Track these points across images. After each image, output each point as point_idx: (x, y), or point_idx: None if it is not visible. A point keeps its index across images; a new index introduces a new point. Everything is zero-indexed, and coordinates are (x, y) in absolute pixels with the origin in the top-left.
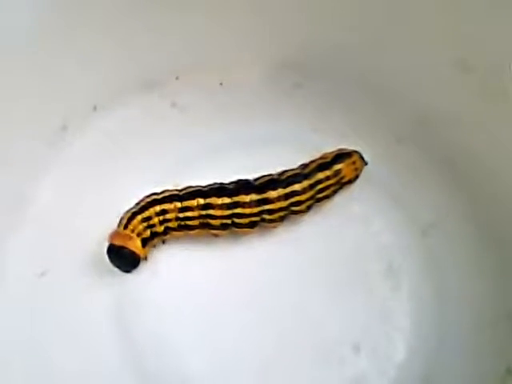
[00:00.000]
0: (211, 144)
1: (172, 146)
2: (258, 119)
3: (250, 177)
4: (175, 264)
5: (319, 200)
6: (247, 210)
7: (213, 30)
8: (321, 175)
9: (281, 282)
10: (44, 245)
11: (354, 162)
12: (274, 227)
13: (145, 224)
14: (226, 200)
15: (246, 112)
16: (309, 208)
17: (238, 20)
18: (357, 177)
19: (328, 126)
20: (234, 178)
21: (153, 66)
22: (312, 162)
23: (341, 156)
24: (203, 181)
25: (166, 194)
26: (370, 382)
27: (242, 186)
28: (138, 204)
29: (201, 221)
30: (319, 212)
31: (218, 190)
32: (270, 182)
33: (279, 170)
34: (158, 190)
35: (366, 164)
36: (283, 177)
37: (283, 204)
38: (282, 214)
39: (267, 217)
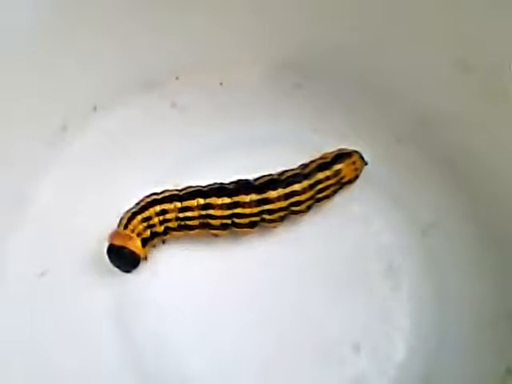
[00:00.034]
0: (211, 144)
1: (172, 146)
2: (258, 119)
3: (250, 177)
4: (175, 264)
5: (319, 200)
6: (247, 210)
7: (213, 30)
8: (321, 175)
9: (281, 282)
10: (44, 245)
11: (353, 162)
12: (274, 227)
13: (145, 224)
14: (226, 200)
15: (245, 112)
16: (309, 208)
17: (238, 20)
18: (357, 177)
19: (328, 126)
20: (234, 178)
21: (153, 66)
22: (312, 162)
23: (341, 156)
24: (203, 181)
25: (166, 194)
26: (370, 382)
27: (242, 186)
28: (137, 204)
29: (201, 221)
30: (319, 212)
31: (218, 190)
32: (270, 182)
33: (279, 170)
34: (158, 190)
35: (366, 164)
36: (283, 177)
37: (283, 204)
38: (281, 213)
39: (267, 217)
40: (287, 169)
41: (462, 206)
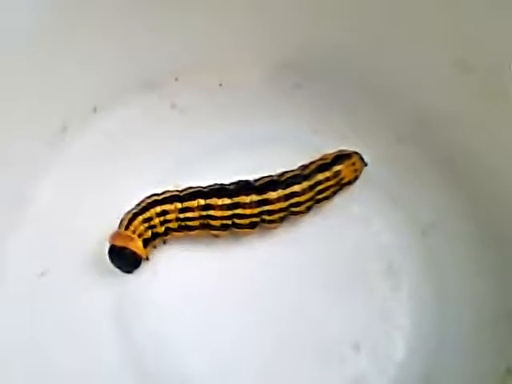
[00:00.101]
0: (211, 145)
1: (172, 147)
2: (258, 120)
3: (250, 177)
4: (175, 264)
5: (319, 201)
6: (247, 211)
7: (213, 30)
8: (320, 176)
9: (281, 283)
10: (44, 245)
11: (353, 164)
12: (274, 228)
13: (146, 225)
14: (227, 201)
15: (245, 112)
16: (308, 209)
17: (238, 20)
18: (356, 178)
19: (328, 126)
20: (234, 179)
21: (153, 67)
22: (312, 163)
23: (340, 157)
24: (203, 181)
25: (167, 194)
26: (370, 382)
27: (242, 187)
28: (138, 205)
29: (201, 221)
30: (319, 213)
31: (219, 190)
32: (270, 183)
33: (279, 170)
34: (159, 191)
35: (365, 165)
36: (283, 178)
37: (283, 205)
38: (281, 214)
39: (267, 217)
40: (287, 170)
41: (462, 205)
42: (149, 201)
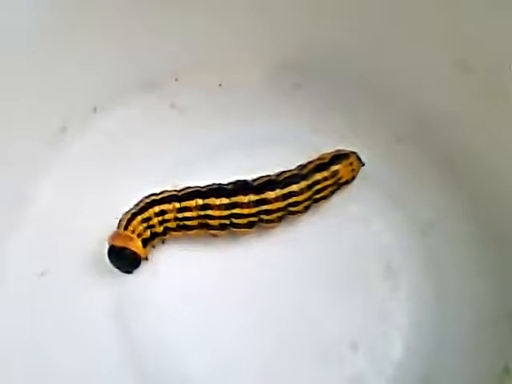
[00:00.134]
0: (211, 145)
1: (171, 147)
2: (258, 120)
3: (250, 177)
4: (174, 264)
5: (317, 200)
6: (245, 211)
7: (213, 30)
8: (318, 176)
9: (279, 282)
10: (44, 245)
11: (351, 163)
12: (272, 227)
13: (145, 225)
14: (225, 200)
15: (245, 112)
16: (306, 208)
17: (238, 20)
18: (354, 177)
19: (328, 126)
20: (234, 179)
21: (153, 67)
22: (310, 162)
23: (338, 157)
24: (203, 182)
25: (165, 194)
26: (368, 381)
27: (241, 187)
28: (137, 205)
29: (199, 221)
30: (317, 212)
31: (217, 190)
32: (268, 183)
33: (278, 170)
34: (157, 191)
35: (363, 165)
36: (281, 178)
37: (281, 204)
38: (279, 214)
39: (265, 217)
40: (285, 170)
41: (461, 205)
42: (147, 201)
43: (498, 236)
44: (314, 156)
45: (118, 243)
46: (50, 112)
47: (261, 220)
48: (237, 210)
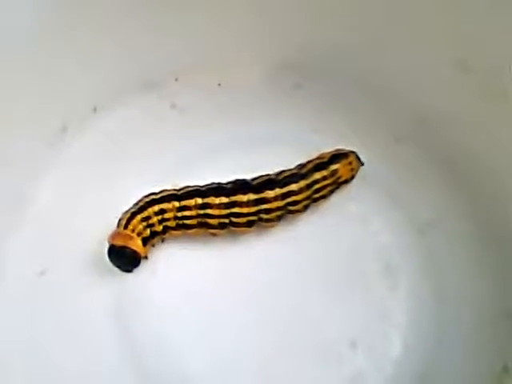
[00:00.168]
0: (210, 145)
1: (171, 147)
2: (258, 119)
3: (249, 177)
4: (174, 263)
5: (316, 200)
6: (245, 210)
7: (213, 30)
8: (317, 175)
9: (278, 281)
10: (44, 244)
11: (350, 163)
12: (272, 226)
13: (144, 224)
14: (224, 200)
15: (245, 112)
16: (306, 207)
17: (238, 20)
18: (353, 177)
19: (328, 126)
20: (233, 178)
21: (152, 67)
22: (309, 162)
23: (337, 156)
24: (202, 181)
25: (165, 193)
26: (367, 380)
27: (240, 186)
28: (136, 204)
29: (199, 220)
30: (316, 212)
31: (216, 189)
32: (268, 182)
33: (278, 170)
34: (157, 190)
35: (362, 164)
36: (280, 177)
37: (280, 204)
38: (279, 213)
39: (264, 216)
40: (285, 169)
41: (461, 205)
42: (147, 200)
43: (498, 236)
44: (314, 155)
45: (118, 242)
46: (50, 112)
47: (260, 219)
48: (236, 209)
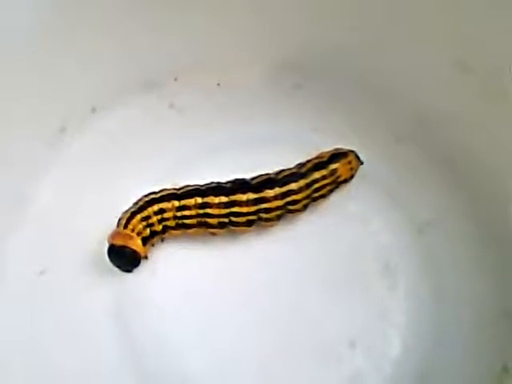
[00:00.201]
0: (210, 144)
1: (171, 147)
2: (258, 119)
3: (249, 176)
4: (174, 263)
5: (315, 199)
6: (244, 209)
7: (212, 30)
8: (317, 174)
9: (278, 281)
10: (44, 244)
11: (349, 162)
12: (271, 226)
13: (144, 223)
14: (223, 199)
15: (245, 112)
16: (305, 207)
17: (238, 20)
18: (352, 176)
19: (328, 126)
20: (233, 178)
21: (152, 67)
22: (308, 161)
23: (337, 156)
24: (202, 181)
25: (164, 193)
26: (366, 379)
27: (239, 185)
28: (136, 204)
29: (198, 219)
30: (315, 211)
31: (215, 189)
32: (267, 181)
33: (277, 169)
34: (157, 190)
35: (361, 164)
36: (280, 176)
37: (280, 203)
38: (278, 212)
39: (264, 215)
40: (284, 168)
41: (461, 205)
42: (146, 199)
43: (498, 236)
44: (313, 155)
45: (118, 242)
46: (50, 112)
47: (260, 218)
48: (236, 209)
